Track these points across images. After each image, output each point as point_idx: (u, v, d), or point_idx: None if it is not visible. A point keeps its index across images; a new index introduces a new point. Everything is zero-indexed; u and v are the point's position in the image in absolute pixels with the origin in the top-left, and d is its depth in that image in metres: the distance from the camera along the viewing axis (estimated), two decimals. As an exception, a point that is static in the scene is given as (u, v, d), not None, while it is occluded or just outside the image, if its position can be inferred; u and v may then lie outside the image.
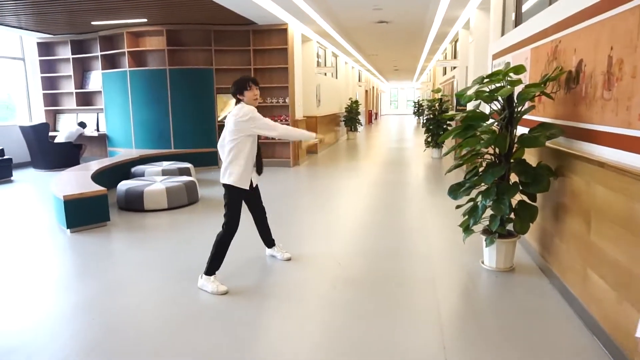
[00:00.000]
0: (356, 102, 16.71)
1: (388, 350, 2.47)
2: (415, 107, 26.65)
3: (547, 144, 3.23)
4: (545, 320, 2.80)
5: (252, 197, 3.56)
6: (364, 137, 17.53)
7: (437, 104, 10.61)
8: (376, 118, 31.43)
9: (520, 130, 3.70)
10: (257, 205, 3.66)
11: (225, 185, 3.36)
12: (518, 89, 3.34)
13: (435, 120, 10.38)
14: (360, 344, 2.54)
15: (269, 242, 3.85)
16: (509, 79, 3.30)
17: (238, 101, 3.37)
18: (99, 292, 3.27)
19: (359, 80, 22.46)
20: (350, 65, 18.79)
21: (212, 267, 3.27)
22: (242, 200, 3.42)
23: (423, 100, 24.57)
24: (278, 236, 3.91)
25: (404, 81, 37.72)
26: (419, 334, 2.66)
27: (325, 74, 13.33)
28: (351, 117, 16.31)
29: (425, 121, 11.35)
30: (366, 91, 25.43)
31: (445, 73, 14.44)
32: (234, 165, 3.30)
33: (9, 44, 9.84)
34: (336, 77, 15.49)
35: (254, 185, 3.51)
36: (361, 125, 18.10)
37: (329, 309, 2.99)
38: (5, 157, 8.02)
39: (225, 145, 3.34)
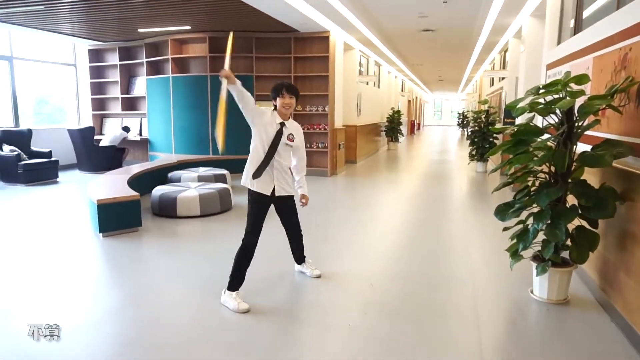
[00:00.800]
0: (398, 111, 16.34)
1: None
2: (459, 118, 25.88)
3: (613, 163, 2.84)
4: (607, 367, 2.43)
5: (280, 208, 3.35)
6: (405, 147, 17.10)
7: (483, 116, 10.12)
8: (419, 129, 30.78)
9: (579, 147, 3.32)
10: (287, 220, 3.43)
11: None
12: (579, 102, 2.98)
13: (481, 133, 9.89)
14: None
15: (300, 258, 3.65)
16: (569, 89, 2.95)
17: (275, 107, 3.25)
18: (122, 302, 3.18)
19: (402, 90, 22.05)
20: (394, 74, 18.45)
21: (233, 283, 3.09)
22: (260, 208, 3.19)
23: (468, 111, 23.84)
24: (308, 251, 3.68)
25: (448, 92, 36.84)
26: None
27: (367, 83, 13.09)
28: (392, 127, 15.95)
29: (470, 133, 10.85)
30: (409, 101, 24.95)
31: (492, 84, 13.85)
32: (246, 164, 3.23)
33: (63, 51, 10.28)
34: (378, 87, 15.21)
35: (278, 194, 3.22)
36: (403, 135, 17.69)
37: (356, 340, 2.72)
38: (52, 158, 8.30)
39: None
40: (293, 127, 3.29)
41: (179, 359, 2.46)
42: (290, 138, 3.24)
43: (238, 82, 3.07)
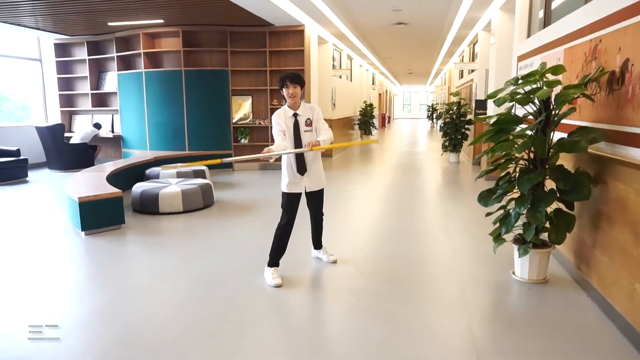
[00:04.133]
0: (371, 105, 16.54)
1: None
2: (429, 110, 26.37)
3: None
4: (587, 337, 2.62)
5: (311, 200, 3.52)
6: (379, 140, 17.33)
7: (455, 108, 10.40)
8: (389, 122, 31.19)
9: (555, 135, 3.51)
10: (315, 209, 3.59)
11: None
12: (555, 91, 3.15)
13: (453, 124, 10.16)
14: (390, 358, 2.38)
15: (317, 244, 3.82)
16: (545, 79, 3.11)
17: None
18: (112, 300, 3.15)
19: (373, 84, 22.28)
20: (365, 68, 18.63)
21: (270, 259, 3.38)
22: (293, 202, 3.41)
23: (437, 104, 24.32)
24: (293, 241, 3.70)
25: (417, 85, 37.43)
26: (451, 348, 2.49)
27: (341, 77, 13.20)
28: (366, 121, 16.14)
29: (442, 125, 11.13)
30: (380, 94, 25.24)
31: (462, 76, 14.19)
32: (282, 170, 3.42)
33: (26, 45, 9.88)
34: (351, 80, 15.34)
35: (308, 190, 3.44)
36: (375, 128, 17.92)
37: (354, 324, 2.82)
38: (21, 157, 8.01)
39: None
40: (307, 111, 3.37)
41: (175, 354, 2.47)
42: (308, 123, 3.35)
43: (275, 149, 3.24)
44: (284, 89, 3.30)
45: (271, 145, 3.28)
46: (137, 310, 3.00)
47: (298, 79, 3.31)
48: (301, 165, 3.35)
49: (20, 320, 2.84)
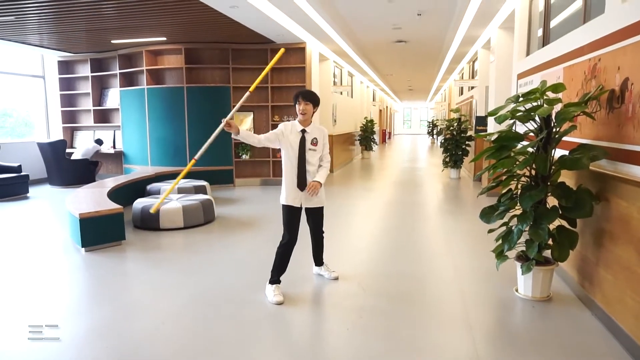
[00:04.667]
0: (371, 121, 16.63)
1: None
2: (429, 126, 26.49)
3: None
4: (591, 356, 2.60)
5: (310, 216, 3.52)
6: (379, 156, 17.39)
7: (455, 124, 10.45)
8: (389, 137, 31.32)
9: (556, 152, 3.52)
10: (314, 225, 3.57)
11: None
12: (556, 109, 3.17)
13: (454, 141, 10.20)
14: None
15: (318, 261, 3.81)
16: (546, 97, 3.13)
17: None
18: (113, 317, 3.12)
19: (374, 100, 22.44)
20: (365, 84, 18.79)
21: (271, 276, 3.37)
22: (293, 216, 3.38)
23: (437, 120, 24.45)
24: (295, 259, 3.67)
25: (417, 101, 37.70)
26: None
27: (341, 93, 13.30)
28: (366, 136, 16.21)
29: (443, 141, 11.17)
30: (380, 111, 25.40)
31: (462, 93, 14.30)
32: (283, 183, 3.41)
33: (30, 62, 9.99)
34: (352, 97, 15.46)
35: (305, 206, 3.43)
36: (376, 144, 17.98)
37: (355, 341, 2.79)
38: (22, 173, 8.03)
39: None
40: (315, 131, 3.41)
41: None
42: (314, 142, 3.38)
43: (240, 130, 3.26)
44: (297, 106, 3.36)
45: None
46: (136, 326, 2.97)
47: (309, 95, 3.37)
48: (302, 181, 3.36)
49: (20, 335, 2.81)
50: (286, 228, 3.39)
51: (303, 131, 3.36)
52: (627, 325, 2.63)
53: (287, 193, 3.39)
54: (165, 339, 2.81)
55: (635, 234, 2.57)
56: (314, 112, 3.42)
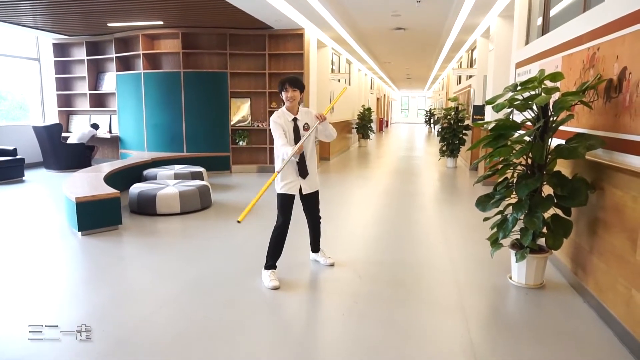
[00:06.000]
0: (369, 109, 16.57)
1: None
2: (426, 115, 26.45)
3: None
4: (583, 342, 2.63)
5: (306, 202, 3.54)
6: (376, 144, 17.38)
7: (453, 113, 10.44)
8: (387, 126, 31.26)
9: (552, 141, 3.53)
10: (311, 212, 3.60)
11: None
12: (554, 98, 3.18)
13: (451, 129, 10.20)
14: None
15: (314, 247, 3.83)
16: (544, 86, 3.13)
17: None
18: (110, 301, 3.14)
19: (371, 88, 22.34)
20: (363, 72, 18.68)
21: (267, 261, 3.39)
22: (288, 204, 3.40)
23: (435, 109, 24.41)
24: (291, 246, 3.72)
25: (415, 90, 37.52)
26: (448, 352, 2.49)
27: (339, 81, 13.22)
28: (363, 125, 16.17)
29: (440, 130, 11.17)
30: (378, 99, 25.30)
31: (460, 82, 14.25)
32: (280, 171, 3.35)
33: (25, 45, 9.86)
34: (349, 84, 15.37)
35: (304, 193, 3.46)
36: (373, 132, 17.95)
37: (350, 329, 2.82)
38: (17, 156, 7.99)
39: None
40: (304, 116, 3.42)
41: (171, 356, 2.46)
42: (306, 127, 3.39)
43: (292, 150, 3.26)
44: (283, 92, 3.35)
45: (285, 149, 3.25)
46: (133, 311, 2.99)
47: (298, 83, 3.35)
48: (303, 169, 3.39)
49: (18, 320, 2.82)
50: (280, 212, 3.42)
51: (295, 119, 3.37)
52: (618, 312, 2.67)
53: (285, 181, 3.38)
54: (162, 323, 2.83)
55: (629, 222, 2.59)
56: (301, 98, 3.41)
